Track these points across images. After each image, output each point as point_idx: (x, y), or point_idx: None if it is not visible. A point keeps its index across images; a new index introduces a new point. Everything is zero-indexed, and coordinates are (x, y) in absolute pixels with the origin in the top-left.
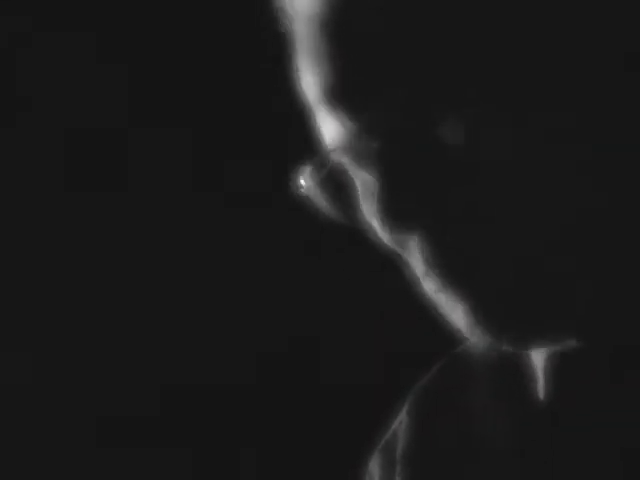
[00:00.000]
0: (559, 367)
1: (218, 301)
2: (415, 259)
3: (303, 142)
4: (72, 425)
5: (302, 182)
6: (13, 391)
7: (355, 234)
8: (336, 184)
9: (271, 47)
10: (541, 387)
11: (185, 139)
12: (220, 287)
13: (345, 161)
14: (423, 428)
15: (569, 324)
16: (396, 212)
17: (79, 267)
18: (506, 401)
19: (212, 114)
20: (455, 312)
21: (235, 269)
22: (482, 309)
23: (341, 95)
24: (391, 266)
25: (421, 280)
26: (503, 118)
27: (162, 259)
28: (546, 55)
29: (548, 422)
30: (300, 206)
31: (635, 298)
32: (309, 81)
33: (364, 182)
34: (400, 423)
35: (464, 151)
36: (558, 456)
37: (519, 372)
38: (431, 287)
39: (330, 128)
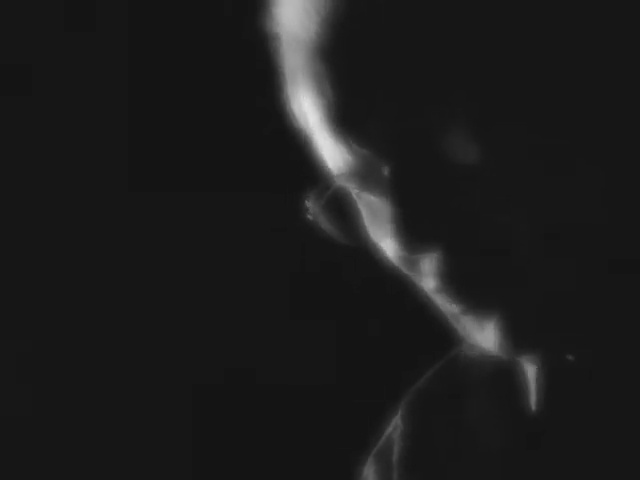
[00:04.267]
0: (551, 376)
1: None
2: (425, 278)
3: (304, 168)
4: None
5: (308, 207)
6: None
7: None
8: (340, 207)
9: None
10: (533, 395)
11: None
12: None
13: (349, 184)
14: (419, 433)
15: (584, 336)
16: (413, 232)
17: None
18: (499, 407)
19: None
20: (479, 330)
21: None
22: (510, 326)
23: (346, 118)
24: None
25: (432, 298)
26: (503, 131)
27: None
28: (540, 67)
29: (539, 430)
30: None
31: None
32: (308, 107)
33: (370, 204)
34: (395, 428)
35: (476, 168)
36: (547, 464)
37: (513, 379)
38: (443, 304)
39: (332, 153)
